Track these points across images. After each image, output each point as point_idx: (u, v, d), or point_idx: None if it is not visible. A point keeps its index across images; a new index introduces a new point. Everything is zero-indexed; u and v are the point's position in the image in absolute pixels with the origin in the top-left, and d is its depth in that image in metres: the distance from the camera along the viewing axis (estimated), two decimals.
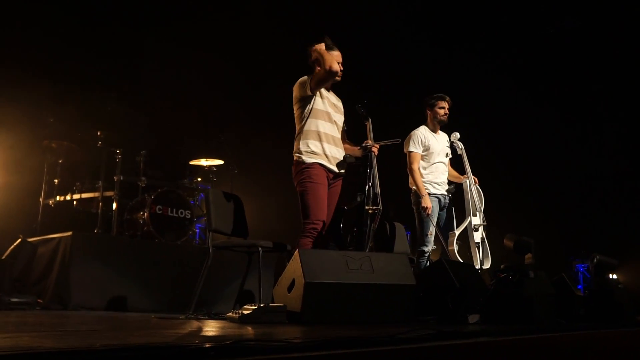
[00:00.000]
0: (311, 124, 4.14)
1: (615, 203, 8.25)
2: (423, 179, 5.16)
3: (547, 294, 3.76)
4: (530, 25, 8.14)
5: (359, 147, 4.32)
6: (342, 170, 4.26)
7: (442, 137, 5.38)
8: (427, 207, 5.02)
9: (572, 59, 8.12)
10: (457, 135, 5.45)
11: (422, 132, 5.26)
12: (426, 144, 5.22)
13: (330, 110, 4.22)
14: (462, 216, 5.26)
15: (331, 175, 4.18)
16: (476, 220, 5.18)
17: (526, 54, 8.31)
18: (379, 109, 5.06)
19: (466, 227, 5.16)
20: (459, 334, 2.20)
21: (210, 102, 8.68)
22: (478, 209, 5.22)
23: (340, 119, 4.35)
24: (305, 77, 4.14)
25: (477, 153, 5.63)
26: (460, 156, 5.41)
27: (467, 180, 5.30)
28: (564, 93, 8.23)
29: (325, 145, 4.12)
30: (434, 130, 5.31)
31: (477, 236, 5.12)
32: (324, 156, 4.12)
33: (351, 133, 4.52)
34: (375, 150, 4.27)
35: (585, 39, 7.94)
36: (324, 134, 4.13)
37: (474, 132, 5.55)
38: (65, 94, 6.47)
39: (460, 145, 5.43)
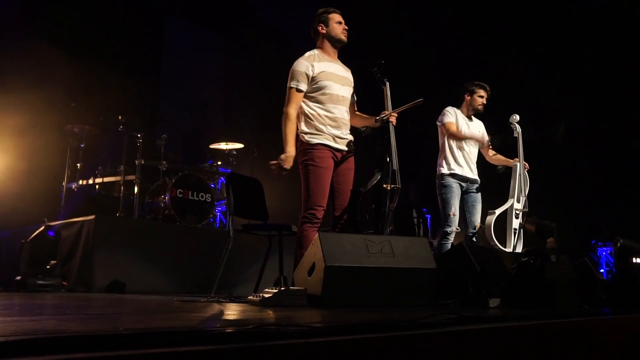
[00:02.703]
0: (316, 107, 3.99)
1: (639, 185, 8.13)
2: (444, 160, 5.14)
3: (569, 278, 3.71)
4: (553, 3, 7.98)
5: (375, 118, 4.06)
6: (351, 147, 4.04)
7: (475, 123, 5.36)
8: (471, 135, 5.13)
9: (598, 40, 7.95)
10: (517, 117, 5.40)
11: (454, 110, 5.26)
12: (457, 119, 5.23)
13: (336, 90, 4.00)
14: (504, 198, 5.22)
15: (338, 155, 3.99)
16: (518, 205, 5.15)
17: (549, 34, 8.16)
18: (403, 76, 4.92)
19: (507, 209, 5.13)
20: (481, 319, 2.18)
21: (230, 85, 8.68)
22: (523, 194, 5.19)
23: (347, 91, 4.10)
24: (291, 81, 3.95)
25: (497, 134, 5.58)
26: (516, 139, 5.36)
27: (518, 164, 5.25)
28: (588, 73, 8.08)
29: (331, 126, 3.95)
30: (467, 116, 5.30)
31: (516, 222, 5.09)
32: (330, 136, 3.95)
33: (369, 100, 4.30)
34: (393, 119, 3.99)
35: (612, 17, 7.76)
36: (329, 116, 3.97)
37: (495, 112, 5.48)
38: (87, 78, 6.52)
39: (518, 128, 5.37)
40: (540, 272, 3.54)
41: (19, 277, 4.47)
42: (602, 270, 7.94)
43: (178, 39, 8.70)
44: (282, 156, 3.85)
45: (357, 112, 4.24)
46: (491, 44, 8.07)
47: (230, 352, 1.25)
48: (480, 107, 5.27)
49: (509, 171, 5.30)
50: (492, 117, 5.51)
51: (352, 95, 4.19)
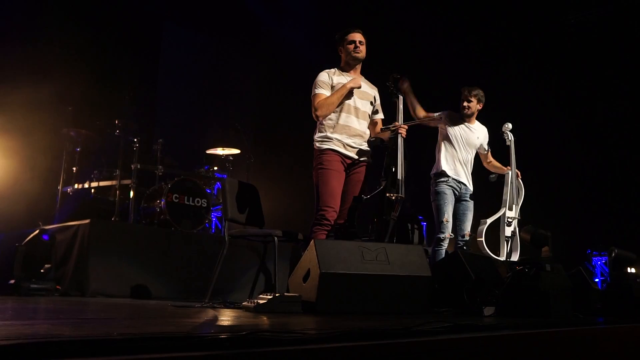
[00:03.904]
0: (329, 116, 4.15)
1: (635, 195, 8.14)
2: (440, 159, 5.13)
3: (563, 287, 3.72)
4: (550, 14, 8.02)
5: (384, 128, 4.21)
6: (364, 158, 4.17)
7: (476, 127, 5.28)
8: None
9: (594, 51, 7.98)
10: (509, 126, 5.37)
11: (451, 115, 5.21)
12: (449, 123, 5.17)
13: (351, 101, 4.15)
14: (497, 206, 5.21)
15: (349, 161, 4.12)
16: (511, 213, 5.14)
17: (546, 45, 8.20)
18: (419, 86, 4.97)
19: (499, 218, 5.12)
20: (475, 327, 2.19)
21: (228, 91, 8.69)
22: (515, 202, 5.18)
23: (364, 105, 4.24)
24: (315, 89, 4.12)
25: (494, 144, 5.58)
26: (508, 147, 5.33)
27: (510, 172, 5.24)
28: (584, 84, 8.11)
29: (341, 135, 4.10)
30: (465, 121, 5.22)
31: (509, 230, 5.08)
32: (339, 143, 4.08)
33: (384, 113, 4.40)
34: (402, 131, 4.13)
35: (612, 29, 7.79)
36: (340, 126, 4.11)
37: (490, 122, 5.48)
38: (83, 83, 6.51)
39: (510, 136, 5.35)
40: (535, 281, 3.54)
41: (12, 281, 4.45)
42: (596, 280, 7.95)
43: (175, 44, 8.71)
44: (349, 84, 4.10)
45: (378, 129, 4.33)
46: (493, 54, 8.11)
47: (224, 358, 1.25)
48: (465, 112, 5.17)
49: (502, 180, 5.29)
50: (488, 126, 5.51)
51: (375, 112, 4.33)
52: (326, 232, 3.91)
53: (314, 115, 4.13)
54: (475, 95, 5.19)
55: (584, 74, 8.04)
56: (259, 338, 1.43)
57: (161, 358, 1.16)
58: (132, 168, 6.04)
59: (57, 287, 4.66)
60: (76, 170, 6.35)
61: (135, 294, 4.84)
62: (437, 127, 5.27)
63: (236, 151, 7.29)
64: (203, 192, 6.11)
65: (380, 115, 4.38)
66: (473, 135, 5.23)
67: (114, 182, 6.10)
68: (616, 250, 5.36)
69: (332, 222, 3.95)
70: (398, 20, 8.13)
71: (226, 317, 2.68)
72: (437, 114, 5.12)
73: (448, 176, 5.06)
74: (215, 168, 6.98)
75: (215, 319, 2.62)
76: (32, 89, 6.00)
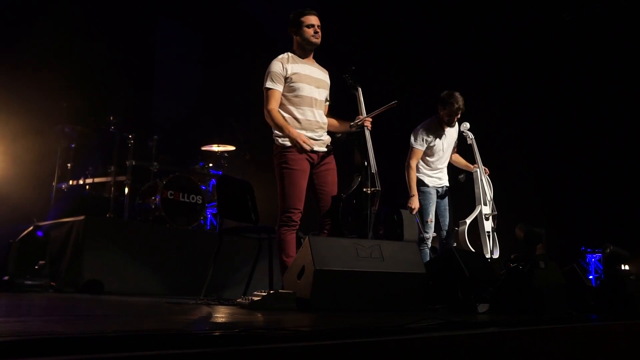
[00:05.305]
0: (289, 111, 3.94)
1: (629, 193, 8.17)
2: (419, 173, 5.10)
3: (557, 284, 3.73)
4: (545, 10, 8.01)
5: (350, 124, 3.99)
6: (328, 147, 3.99)
7: (450, 131, 5.22)
8: (413, 208, 4.91)
9: (588, 47, 7.99)
10: (467, 125, 5.42)
11: (430, 131, 5.08)
12: (431, 143, 5.08)
13: (309, 92, 3.92)
14: (471, 205, 5.24)
15: (314, 156, 3.92)
16: (487, 209, 5.19)
17: (539, 41, 8.20)
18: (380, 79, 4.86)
19: (477, 216, 5.17)
20: (468, 324, 2.19)
21: (224, 88, 8.67)
22: (489, 198, 5.23)
23: (322, 93, 4.01)
24: (266, 82, 3.90)
25: (486, 141, 5.59)
26: (471, 146, 5.40)
27: (478, 170, 5.30)
28: (579, 80, 8.12)
29: (305, 130, 3.89)
30: (442, 128, 5.12)
31: (488, 225, 5.13)
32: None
33: (343, 107, 4.24)
34: (368, 124, 3.95)
35: (606, 26, 7.80)
36: (303, 120, 3.91)
37: (482, 120, 5.50)
38: (78, 79, 6.49)
39: (470, 135, 5.42)
40: (529, 278, 3.55)
41: (6, 277, 4.44)
42: (590, 277, 7.98)
43: (171, 40, 8.69)
44: (292, 139, 3.78)
45: (330, 117, 4.13)
46: (472, 48, 8.10)
47: (218, 355, 1.25)
48: (455, 117, 5.03)
49: (470, 177, 5.34)
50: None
51: (327, 98, 4.12)
52: (295, 232, 3.81)
53: (264, 110, 3.91)
54: (461, 106, 5.02)
55: (583, 70, 8.05)
56: (252, 335, 1.43)
57: (155, 355, 1.17)
58: (127, 164, 6.03)
59: (52, 283, 4.66)
60: (71, 166, 6.34)
61: (130, 291, 4.84)
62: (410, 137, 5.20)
63: (231, 148, 7.28)
64: (198, 189, 6.11)
65: (328, 102, 4.14)
66: (452, 137, 5.24)
67: (108, 179, 6.09)
68: (611, 247, 5.38)
69: (299, 223, 3.83)
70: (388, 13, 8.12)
71: (220, 314, 2.68)
72: (419, 149, 5.07)
73: (430, 175, 5.11)
74: (211, 165, 6.97)
75: (210, 315, 2.62)
76: (27, 86, 5.98)
